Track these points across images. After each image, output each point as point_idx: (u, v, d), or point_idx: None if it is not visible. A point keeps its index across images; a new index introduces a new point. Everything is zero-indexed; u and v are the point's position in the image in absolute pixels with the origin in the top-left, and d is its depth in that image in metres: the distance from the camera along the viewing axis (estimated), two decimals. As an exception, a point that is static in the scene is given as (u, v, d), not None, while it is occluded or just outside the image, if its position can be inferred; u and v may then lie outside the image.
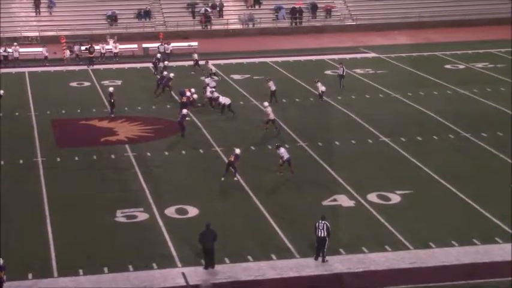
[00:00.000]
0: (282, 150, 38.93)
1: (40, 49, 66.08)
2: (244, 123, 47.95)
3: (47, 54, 65.10)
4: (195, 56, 62.89)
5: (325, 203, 35.41)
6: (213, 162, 40.87)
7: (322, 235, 29.76)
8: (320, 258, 29.84)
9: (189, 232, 31.70)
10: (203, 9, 79.54)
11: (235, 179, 38.01)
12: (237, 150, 38.80)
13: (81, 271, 29.20)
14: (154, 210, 34.75)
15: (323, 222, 29.96)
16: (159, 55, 63.19)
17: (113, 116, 48.91)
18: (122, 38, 71.30)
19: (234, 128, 47.03)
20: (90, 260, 30.02)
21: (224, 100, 49.75)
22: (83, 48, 65.94)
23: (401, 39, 74.07)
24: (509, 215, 33.57)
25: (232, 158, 38.29)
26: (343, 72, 56.16)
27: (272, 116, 45.62)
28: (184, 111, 46.06)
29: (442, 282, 28.41)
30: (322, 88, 52.57)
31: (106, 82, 58.29)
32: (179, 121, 45.27)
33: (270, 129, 45.62)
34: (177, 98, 52.42)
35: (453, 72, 62.01)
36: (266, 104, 47.18)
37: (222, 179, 37.95)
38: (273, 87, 52.35)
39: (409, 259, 30.09)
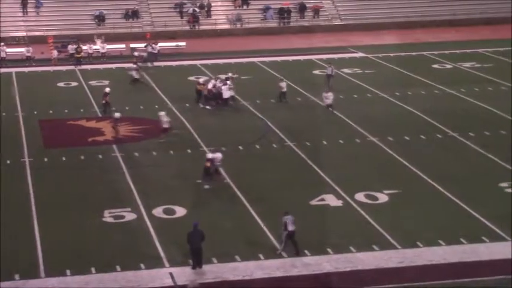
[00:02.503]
0: (219, 155, 38.30)
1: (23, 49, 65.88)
2: (232, 123, 47.94)
3: (28, 54, 64.92)
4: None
5: (313, 202, 35.43)
6: (201, 162, 40.69)
7: (293, 229, 30.08)
8: (292, 252, 30.14)
9: (177, 232, 31.63)
10: (191, 9, 79.53)
11: (206, 186, 37.51)
12: (209, 155, 38.12)
13: (68, 271, 29.13)
14: (142, 210, 34.69)
15: (289, 216, 30.27)
16: (136, 53, 63.18)
17: (105, 115, 48.65)
18: (109, 38, 71.18)
19: (222, 128, 46.99)
20: (78, 260, 29.95)
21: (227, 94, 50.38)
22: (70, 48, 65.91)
23: (389, 39, 74.18)
24: (496, 214, 33.65)
25: (208, 164, 37.71)
26: (331, 72, 56.17)
27: (167, 125, 44.94)
28: None
29: (429, 281, 28.44)
30: (327, 101, 50.23)
31: (93, 82, 58.24)
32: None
33: (167, 137, 44.69)
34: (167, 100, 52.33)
35: (441, 71, 62.16)
36: (162, 113, 45.97)
37: (206, 186, 37.33)
38: (284, 89, 52.11)
39: (397, 258, 30.12)
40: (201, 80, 53.84)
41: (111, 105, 49.59)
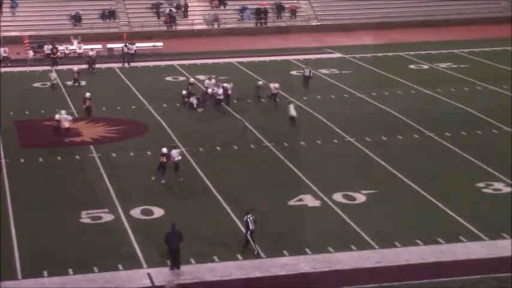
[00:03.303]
0: (175, 152, 38.56)
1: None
2: (209, 124, 47.89)
3: (4, 55, 64.57)
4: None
5: (291, 203, 35.44)
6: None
7: (254, 227, 30.33)
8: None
9: (155, 233, 31.57)
10: (168, 9, 79.41)
11: (162, 181, 37.80)
12: (164, 150, 38.38)
13: (45, 273, 28.97)
14: (120, 211, 34.58)
15: (250, 215, 30.48)
16: (90, 52, 63.34)
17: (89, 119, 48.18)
18: (86, 39, 70.90)
19: (200, 128, 46.93)
20: (55, 262, 29.80)
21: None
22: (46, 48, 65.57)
23: (366, 40, 74.38)
24: (473, 214, 33.83)
25: (163, 159, 37.99)
26: (309, 74, 55.94)
27: (67, 125, 44.78)
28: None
29: (407, 281, 28.52)
30: (292, 112, 47.49)
31: (70, 83, 57.92)
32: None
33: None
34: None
35: (417, 72, 62.39)
36: (63, 112, 45.94)
37: (153, 178, 37.95)
38: (274, 91, 51.51)
39: (375, 258, 30.18)
40: (191, 80, 53.66)
41: (91, 109, 49.05)
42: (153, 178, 37.93)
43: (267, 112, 50.33)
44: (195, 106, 50.46)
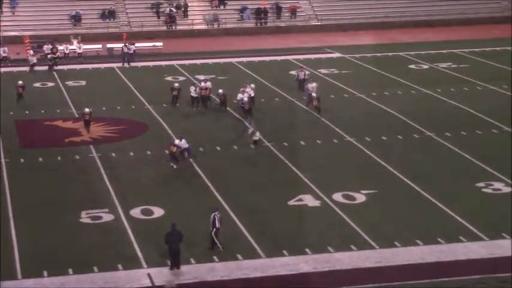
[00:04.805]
0: (183, 141, 40.29)
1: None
2: (209, 124, 47.90)
3: (5, 54, 64.54)
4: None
5: (291, 202, 35.45)
6: (179, 162, 40.72)
7: (219, 226, 30.49)
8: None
9: (155, 233, 31.59)
10: (168, 9, 79.42)
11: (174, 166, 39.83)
12: (176, 141, 40.30)
13: (45, 273, 28.98)
14: (120, 211, 34.58)
15: (217, 212, 30.78)
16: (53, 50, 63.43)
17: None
18: (86, 38, 70.89)
19: (200, 128, 46.94)
20: (55, 262, 29.80)
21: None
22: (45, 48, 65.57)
23: (365, 40, 74.36)
24: (473, 214, 33.83)
25: (174, 149, 39.76)
26: (304, 77, 55.26)
27: None
28: None
29: (406, 281, 28.54)
30: (255, 137, 43.71)
31: (70, 83, 57.98)
32: None
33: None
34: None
35: (417, 72, 62.39)
36: None
37: (174, 166, 39.72)
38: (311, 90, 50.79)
39: (375, 258, 30.19)
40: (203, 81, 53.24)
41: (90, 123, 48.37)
42: (171, 164, 39.91)
43: (266, 112, 50.28)
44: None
